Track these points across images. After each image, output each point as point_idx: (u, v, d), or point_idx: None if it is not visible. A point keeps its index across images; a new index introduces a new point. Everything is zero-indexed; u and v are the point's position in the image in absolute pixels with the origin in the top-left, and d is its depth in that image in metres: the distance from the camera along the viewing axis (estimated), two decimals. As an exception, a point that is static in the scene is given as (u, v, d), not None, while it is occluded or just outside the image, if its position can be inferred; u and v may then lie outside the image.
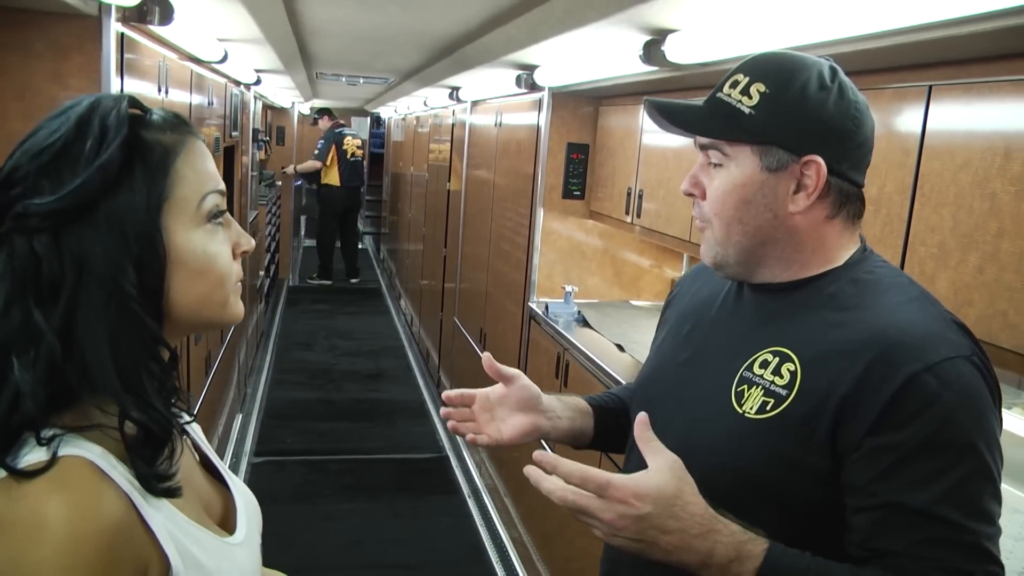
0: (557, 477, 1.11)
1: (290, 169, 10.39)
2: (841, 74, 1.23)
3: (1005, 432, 2.22)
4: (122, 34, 2.39)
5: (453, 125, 6.46)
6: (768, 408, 1.20)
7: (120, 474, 0.88)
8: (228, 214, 1.03)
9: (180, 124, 1.00)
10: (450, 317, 6.24)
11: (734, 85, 1.24)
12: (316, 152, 10.20)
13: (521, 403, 1.51)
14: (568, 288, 3.94)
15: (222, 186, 1.01)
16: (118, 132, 0.91)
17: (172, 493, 0.92)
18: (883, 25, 1.62)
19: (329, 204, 10.44)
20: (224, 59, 3.96)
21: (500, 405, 1.52)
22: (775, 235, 1.25)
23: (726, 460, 1.23)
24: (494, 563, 4.13)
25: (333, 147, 10.18)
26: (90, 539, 0.81)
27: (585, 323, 3.75)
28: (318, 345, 7.90)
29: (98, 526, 0.82)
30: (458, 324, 5.91)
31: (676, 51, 2.38)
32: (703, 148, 1.28)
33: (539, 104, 4.08)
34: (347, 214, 10.63)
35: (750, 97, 1.22)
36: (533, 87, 4.01)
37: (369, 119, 13.84)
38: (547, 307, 3.93)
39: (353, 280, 10.91)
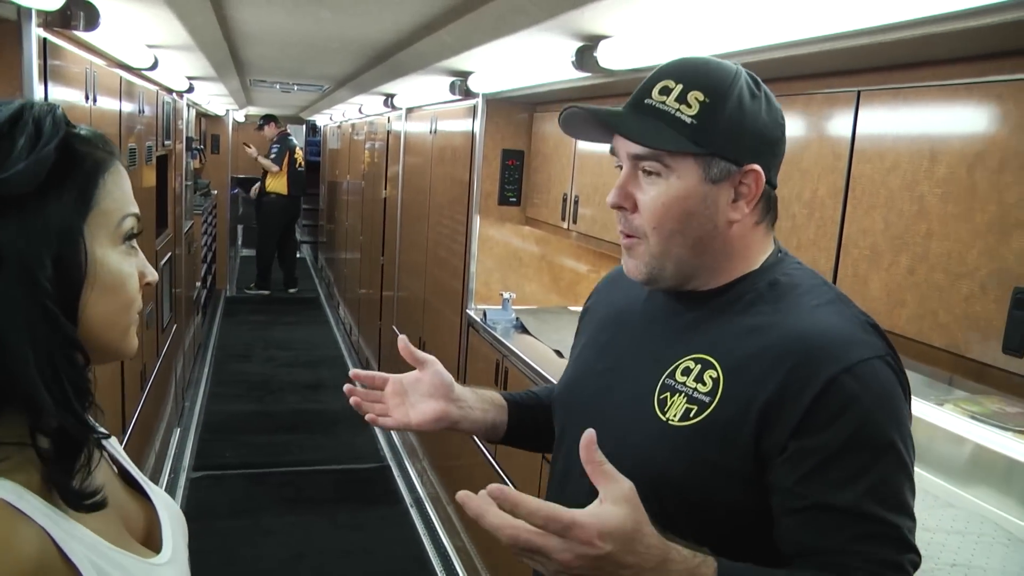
0: (501, 511, 1.01)
1: (253, 151, 10.30)
2: (761, 81, 1.24)
3: (937, 429, 2.28)
4: (44, 39, 2.32)
5: (389, 132, 6.43)
6: (692, 415, 1.20)
7: (35, 508, 0.86)
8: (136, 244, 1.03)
9: (107, 143, 1.01)
10: (389, 326, 6.19)
11: (665, 92, 1.21)
12: (272, 156, 10.08)
13: (433, 389, 1.49)
14: (506, 295, 3.93)
15: (138, 210, 1.02)
16: (54, 134, 0.91)
17: (98, 507, 0.91)
18: (813, 32, 1.64)
19: (273, 213, 10.33)
20: (154, 66, 3.89)
21: (412, 390, 1.50)
22: (712, 245, 1.25)
23: (650, 467, 1.21)
24: (438, 573, 4.11)
25: (287, 155, 10.12)
26: None
27: (524, 330, 3.75)
28: (256, 356, 7.80)
29: (14, 571, 0.81)
30: (397, 333, 5.86)
31: (609, 57, 2.39)
32: (638, 158, 1.23)
33: (474, 111, 4.07)
34: (289, 223, 10.55)
35: (689, 106, 1.19)
36: (467, 94, 4.00)
37: (305, 127, 13.70)
38: (485, 314, 3.92)
39: (291, 290, 10.80)
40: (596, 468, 1.04)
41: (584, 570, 1.02)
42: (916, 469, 2.29)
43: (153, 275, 1.04)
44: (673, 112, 1.20)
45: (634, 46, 2.27)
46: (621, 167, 1.27)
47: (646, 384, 1.28)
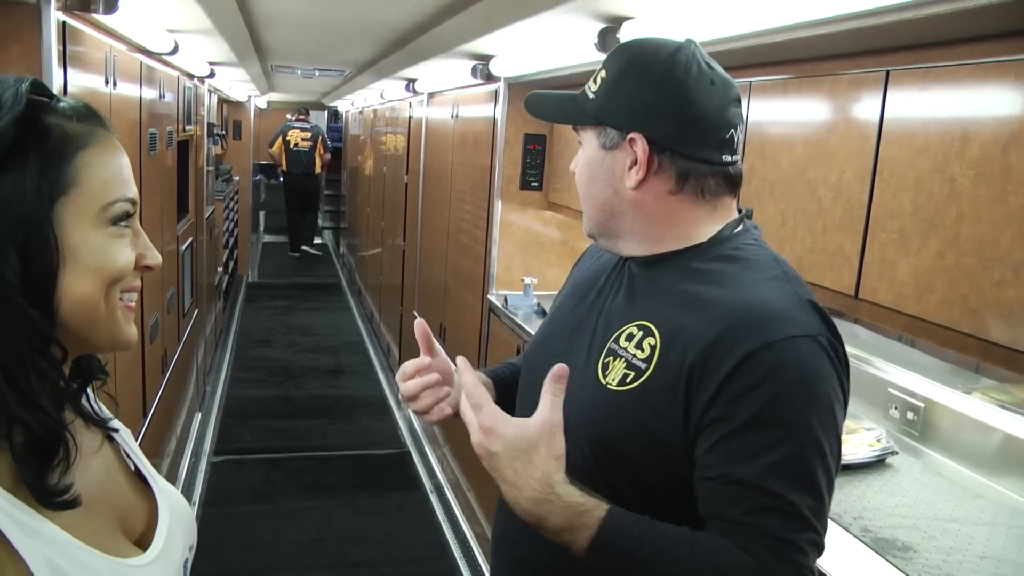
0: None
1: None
2: (685, 53, 1.28)
3: (965, 418, 2.24)
4: (64, 23, 2.30)
5: (410, 118, 6.41)
6: (628, 381, 1.25)
7: None
8: (138, 224, 0.97)
9: (90, 115, 0.94)
10: (410, 311, 6.19)
11: (594, 74, 1.36)
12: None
13: (445, 377, 1.52)
14: (527, 280, 3.91)
15: (133, 194, 0.95)
16: (11, 109, 0.85)
17: (69, 505, 0.87)
18: (839, 9, 1.60)
19: (283, 187, 11.96)
20: (175, 51, 3.87)
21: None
22: (620, 209, 1.34)
23: (592, 429, 1.28)
24: (458, 559, 4.10)
25: (280, 137, 11.45)
26: None
27: (545, 315, 3.72)
28: (277, 342, 7.82)
29: None
30: (418, 318, 5.85)
31: (631, 39, 2.35)
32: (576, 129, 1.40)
33: (495, 95, 4.04)
34: (298, 198, 11.72)
35: (595, 83, 1.34)
36: (489, 78, 3.97)
37: (327, 113, 13.73)
38: (506, 299, 3.90)
39: (303, 247, 12.17)
40: (546, 394, 1.16)
41: (484, 461, 1.17)
42: (943, 459, 2.27)
43: (154, 258, 0.98)
44: (587, 91, 1.35)
45: (657, 27, 2.23)
46: None
47: (596, 347, 1.34)
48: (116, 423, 1.10)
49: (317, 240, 12.90)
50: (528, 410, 1.35)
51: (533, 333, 3.37)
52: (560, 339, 1.45)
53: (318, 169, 11.67)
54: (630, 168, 1.29)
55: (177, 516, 1.09)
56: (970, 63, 1.60)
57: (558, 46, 2.92)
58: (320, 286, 10.61)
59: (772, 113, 2.18)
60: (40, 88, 0.91)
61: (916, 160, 1.70)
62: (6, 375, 0.83)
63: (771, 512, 1.13)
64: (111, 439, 1.08)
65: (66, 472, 0.87)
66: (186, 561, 1.09)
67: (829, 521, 1.85)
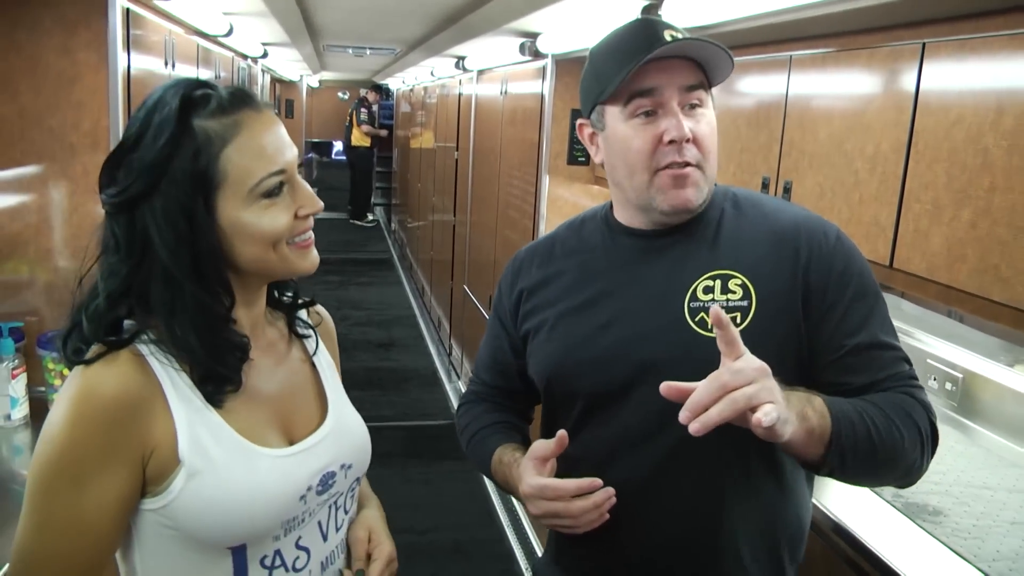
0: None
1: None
2: None
3: (1006, 390, 2.25)
4: (128, 9, 2.41)
5: (460, 95, 6.46)
6: (738, 321, 1.28)
7: (164, 369, 1.09)
8: (296, 179, 1.17)
9: (233, 103, 1.11)
10: (460, 286, 6.27)
11: (679, 32, 1.31)
12: None
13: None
14: (575, 254, 3.94)
15: (280, 164, 1.13)
16: (162, 130, 1.05)
17: (219, 405, 1.12)
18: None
19: None
20: (230, 32, 3.97)
21: None
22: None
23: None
24: (505, 528, 4.18)
25: None
26: (91, 401, 1.04)
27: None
28: (330, 315, 7.92)
29: (104, 395, 1.05)
30: (468, 292, 5.94)
31: (675, 15, 2.38)
32: (691, 89, 1.31)
33: (543, 72, 4.08)
34: (349, 169, 12.88)
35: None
36: (537, 55, 4.02)
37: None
38: (554, 273, 3.93)
39: (355, 221, 12.89)
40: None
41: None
42: (981, 429, 2.31)
43: (311, 207, 1.17)
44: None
45: (700, 3, 2.26)
46: (649, 112, 1.31)
47: (669, 315, 1.32)
48: (314, 343, 1.41)
49: (369, 216, 13.09)
50: (607, 426, 1.38)
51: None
52: (598, 335, 1.38)
53: (354, 142, 12.29)
54: None
55: (337, 436, 1.27)
56: (1006, 34, 1.62)
57: (604, 22, 2.95)
58: (372, 261, 10.75)
59: (811, 86, 2.21)
60: (200, 84, 1.11)
61: (951, 131, 1.73)
62: (184, 331, 1.09)
63: (897, 360, 1.31)
64: (306, 354, 1.36)
65: (227, 392, 1.13)
66: (331, 474, 1.23)
67: (861, 489, 1.90)
